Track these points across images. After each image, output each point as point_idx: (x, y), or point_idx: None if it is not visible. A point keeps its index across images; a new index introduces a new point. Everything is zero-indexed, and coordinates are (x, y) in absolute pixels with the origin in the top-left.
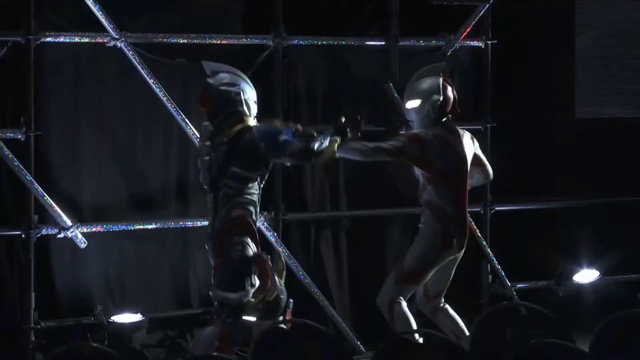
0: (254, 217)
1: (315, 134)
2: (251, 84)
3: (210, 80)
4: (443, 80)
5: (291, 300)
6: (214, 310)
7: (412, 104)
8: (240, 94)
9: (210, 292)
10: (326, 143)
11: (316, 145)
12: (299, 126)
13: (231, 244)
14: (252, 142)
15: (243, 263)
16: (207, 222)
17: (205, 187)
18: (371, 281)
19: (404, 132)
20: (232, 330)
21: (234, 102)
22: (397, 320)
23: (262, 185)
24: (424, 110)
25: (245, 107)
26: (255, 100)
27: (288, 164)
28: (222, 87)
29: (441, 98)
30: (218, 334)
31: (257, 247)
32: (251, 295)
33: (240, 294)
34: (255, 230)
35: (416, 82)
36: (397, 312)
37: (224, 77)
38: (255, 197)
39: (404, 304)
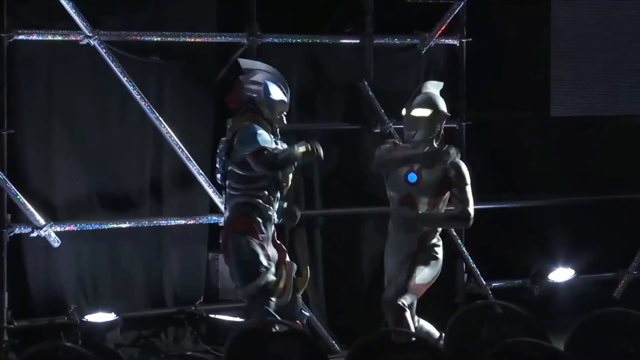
0: (257, 219)
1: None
2: (282, 83)
3: (241, 78)
4: None
5: (307, 314)
6: (248, 307)
7: (421, 112)
8: (262, 91)
9: (237, 294)
10: (286, 153)
11: (280, 155)
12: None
13: (234, 242)
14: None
15: (249, 253)
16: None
17: (220, 183)
18: (346, 280)
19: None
20: (265, 315)
21: (258, 101)
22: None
23: (275, 192)
24: (432, 122)
25: (267, 106)
26: (284, 99)
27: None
28: (246, 85)
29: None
30: (255, 325)
31: (265, 249)
32: (272, 278)
33: (258, 280)
34: (259, 232)
35: (424, 94)
36: (406, 320)
37: (253, 74)
38: (259, 202)
39: (409, 313)
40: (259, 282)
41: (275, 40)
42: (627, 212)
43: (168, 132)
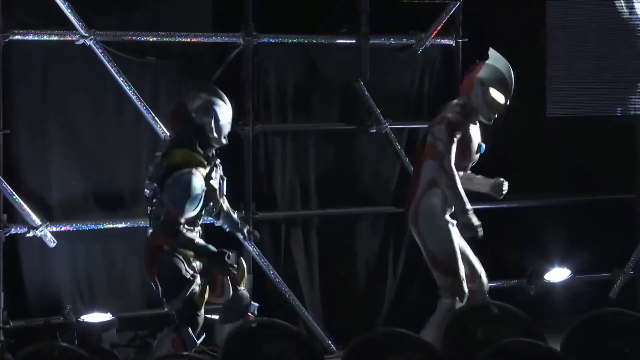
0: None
1: (196, 241)
2: (227, 104)
3: (185, 103)
4: None
5: (256, 304)
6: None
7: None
8: (211, 121)
9: (166, 308)
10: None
11: (180, 236)
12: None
13: (157, 258)
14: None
15: (171, 267)
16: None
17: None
18: (342, 280)
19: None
20: (184, 336)
21: (205, 128)
22: None
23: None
24: None
25: (215, 133)
26: (229, 120)
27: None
28: (194, 114)
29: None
30: (172, 340)
31: (190, 261)
32: (197, 289)
33: (182, 293)
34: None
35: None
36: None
37: (199, 102)
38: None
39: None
40: (182, 295)
41: (271, 40)
42: (622, 212)
43: (164, 132)
